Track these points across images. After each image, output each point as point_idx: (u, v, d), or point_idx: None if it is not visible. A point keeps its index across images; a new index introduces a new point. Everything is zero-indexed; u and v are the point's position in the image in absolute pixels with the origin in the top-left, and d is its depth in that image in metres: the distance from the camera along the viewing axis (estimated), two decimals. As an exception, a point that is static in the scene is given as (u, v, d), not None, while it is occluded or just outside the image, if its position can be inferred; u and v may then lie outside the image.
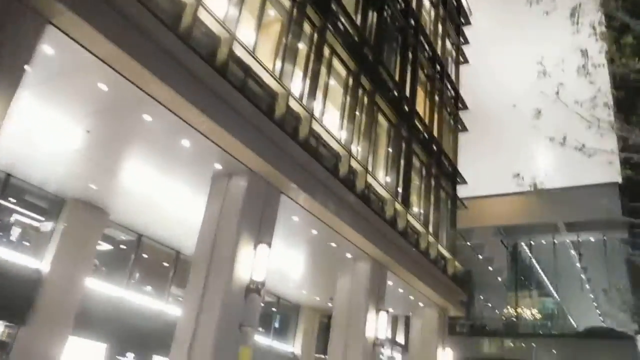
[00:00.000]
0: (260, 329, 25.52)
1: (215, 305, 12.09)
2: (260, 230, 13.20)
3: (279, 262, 20.72)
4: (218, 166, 13.12)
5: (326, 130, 15.75)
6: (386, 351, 32.93)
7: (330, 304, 22.10)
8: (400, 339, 35.34)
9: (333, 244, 17.54)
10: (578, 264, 42.25)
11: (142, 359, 18.46)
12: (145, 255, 19.94)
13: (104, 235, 17.78)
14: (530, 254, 42.90)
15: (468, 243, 39.98)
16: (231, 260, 12.34)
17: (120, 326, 17.54)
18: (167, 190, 15.00)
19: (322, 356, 26.57)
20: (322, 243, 17.67)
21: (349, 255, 18.48)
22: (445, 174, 26.11)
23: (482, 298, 45.22)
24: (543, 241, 41.28)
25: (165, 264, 20.87)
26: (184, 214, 15.86)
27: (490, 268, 43.28)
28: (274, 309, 26.43)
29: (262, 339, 24.97)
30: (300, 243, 18.34)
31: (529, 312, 41.96)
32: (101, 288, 17.44)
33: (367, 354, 17.63)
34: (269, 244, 13.08)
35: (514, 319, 41.04)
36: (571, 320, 44.00)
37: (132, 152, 13.58)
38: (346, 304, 18.45)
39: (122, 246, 19.54)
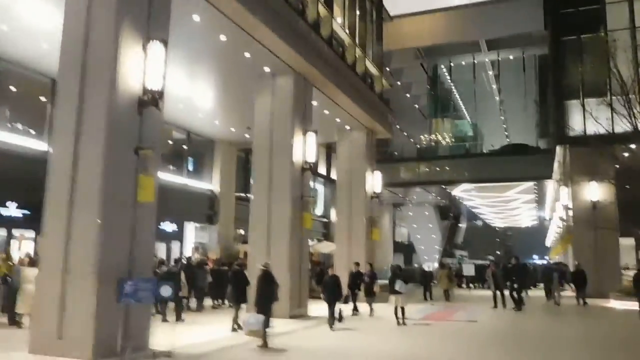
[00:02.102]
0: (172, 167, 22.92)
1: (97, 126, 9.01)
2: (149, 27, 9.76)
3: (184, 87, 17.50)
4: None
5: None
6: (309, 183, 31.83)
7: (248, 135, 19.60)
8: (322, 170, 34.31)
9: (247, 55, 14.40)
10: (494, 86, 41.99)
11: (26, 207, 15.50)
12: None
13: None
14: (449, 77, 41.88)
15: (387, 68, 38.05)
16: (112, 63, 9.03)
17: None
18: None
19: (244, 195, 24.80)
20: (234, 54, 14.48)
21: (267, 70, 15.53)
22: (369, -21, 22.72)
23: (398, 127, 44.77)
24: (463, 62, 40.07)
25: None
26: None
27: (407, 95, 42.13)
28: (185, 147, 23.63)
29: (175, 178, 22.48)
30: (207, 57, 15.04)
31: (446, 137, 42.14)
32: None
33: (295, 181, 15.64)
34: (164, 42, 9.74)
35: (432, 144, 41.11)
36: (486, 140, 44.94)
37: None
38: (267, 128, 15.91)
39: None
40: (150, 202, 9.44)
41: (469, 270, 17.66)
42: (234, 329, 12.54)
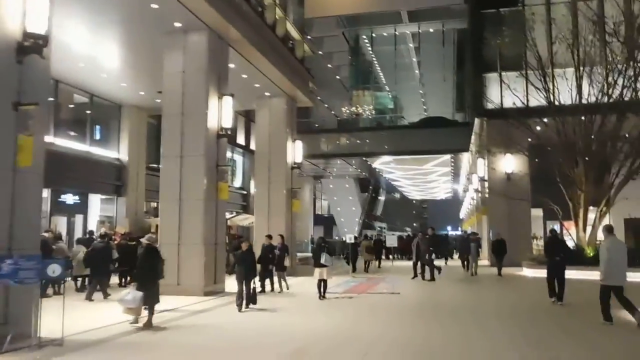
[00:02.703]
0: (73, 132, 20.85)
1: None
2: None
3: (84, 42, 15.64)
4: None
5: None
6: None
7: (159, 100, 17.99)
8: (241, 140, 33.03)
9: (155, 5, 12.89)
10: (415, 58, 42.14)
11: None
12: None
13: None
14: (370, 48, 41.49)
15: (308, 37, 37.01)
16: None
17: None
18: None
19: (156, 165, 23.07)
20: (139, 4, 12.93)
21: (178, 25, 14.08)
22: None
23: (319, 98, 44.10)
24: (384, 33, 39.76)
25: None
26: None
27: (329, 65, 41.41)
28: (88, 111, 21.53)
29: (77, 145, 20.45)
30: (109, 6, 13.31)
31: (367, 109, 41.95)
32: None
33: (210, 148, 14.44)
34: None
35: (353, 116, 40.82)
36: (406, 113, 45.24)
37: None
38: (179, 89, 14.53)
39: None
40: (30, 167, 8.01)
41: (392, 241, 17.25)
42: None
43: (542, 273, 16.38)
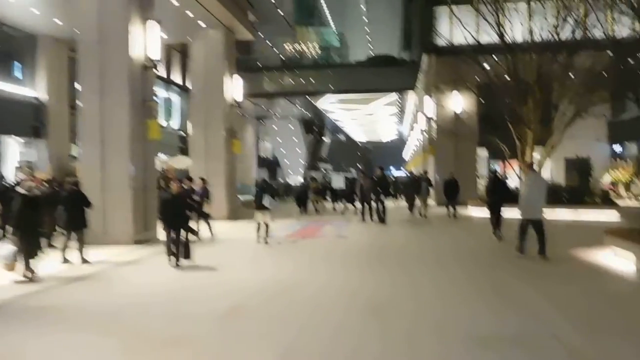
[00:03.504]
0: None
1: None
2: None
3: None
4: None
5: None
6: (161, 92, 28.37)
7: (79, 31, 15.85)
8: (177, 79, 30.86)
9: None
10: (361, -7, 40.47)
11: None
12: None
13: None
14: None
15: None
16: None
17: None
18: None
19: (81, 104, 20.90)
20: None
21: (90, -64, 12.05)
22: None
23: (262, 35, 41.90)
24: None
25: None
26: None
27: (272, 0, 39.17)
28: (-4, 42, 19.00)
29: (-17, 81, 18.11)
30: None
31: (311, 46, 40.28)
32: None
33: (135, 82, 12.80)
34: None
35: (296, 55, 39.16)
36: (352, 51, 43.87)
37: None
38: (94, 14, 12.64)
39: None
40: None
41: (338, 183, 16.21)
42: (65, 261, 10.16)
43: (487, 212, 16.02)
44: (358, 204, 18.35)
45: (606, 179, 22.09)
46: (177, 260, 9.70)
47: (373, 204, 17.36)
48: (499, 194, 12.74)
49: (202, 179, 14.27)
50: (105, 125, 12.67)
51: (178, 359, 4.93)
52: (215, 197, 19.31)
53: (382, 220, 16.88)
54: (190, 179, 13.48)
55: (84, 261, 10.20)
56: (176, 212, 9.98)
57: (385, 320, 5.99)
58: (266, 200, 12.49)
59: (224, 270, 9.41)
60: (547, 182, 9.89)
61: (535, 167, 20.90)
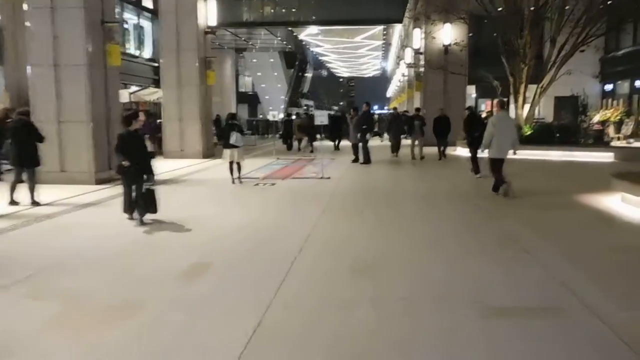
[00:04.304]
0: None
1: None
2: None
3: None
4: None
5: None
6: (131, 17, 26.31)
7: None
8: (148, 3, 28.63)
9: None
10: None
11: None
12: None
13: None
14: None
15: None
16: None
17: None
18: None
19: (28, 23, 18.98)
20: None
21: None
22: None
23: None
24: None
25: None
26: None
27: None
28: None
29: None
30: None
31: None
32: None
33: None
34: None
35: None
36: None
37: None
38: None
39: None
40: None
41: (322, 119, 14.73)
42: (13, 202, 9.00)
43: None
44: (341, 142, 17.19)
45: (595, 119, 21.17)
46: (142, 216, 7.55)
47: (356, 142, 16.22)
48: (479, 131, 12.22)
49: (146, 112, 12.62)
50: (58, 47, 11.22)
51: (121, 331, 3.91)
52: (188, 133, 18.16)
53: (367, 160, 15.81)
54: (147, 113, 12.15)
55: (34, 203, 9.06)
56: (139, 153, 7.67)
57: (378, 283, 5.03)
58: (233, 138, 11.34)
59: (190, 218, 8.06)
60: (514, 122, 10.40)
61: (527, 106, 20.17)
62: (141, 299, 4.54)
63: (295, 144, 21.98)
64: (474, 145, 12.60)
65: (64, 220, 7.98)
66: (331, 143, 21.80)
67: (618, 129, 22.32)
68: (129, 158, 7.49)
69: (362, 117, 16.03)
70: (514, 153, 9.85)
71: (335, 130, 21.70)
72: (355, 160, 16.12)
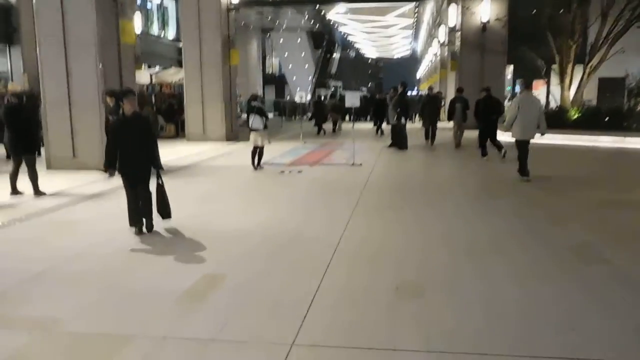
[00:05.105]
0: None
1: None
2: None
3: None
4: None
5: None
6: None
7: None
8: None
9: None
10: None
11: None
12: None
13: None
14: None
15: None
16: None
17: None
18: None
19: None
20: None
21: None
22: None
23: None
24: None
25: None
26: None
27: None
28: None
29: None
30: None
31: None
32: None
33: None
34: None
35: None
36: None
37: None
38: None
39: None
40: None
41: (353, 101, 13.31)
42: (15, 192, 8.25)
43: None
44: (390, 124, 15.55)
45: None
46: (150, 225, 6.13)
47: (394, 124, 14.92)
48: (494, 114, 12.59)
49: (110, 93, 10.29)
50: (66, 24, 10.36)
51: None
52: (210, 115, 17.29)
53: (403, 145, 14.62)
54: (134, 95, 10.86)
55: (37, 193, 8.26)
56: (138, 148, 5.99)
57: (433, 311, 4.01)
58: (252, 120, 10.42)
59: (202, 214, 7.18)
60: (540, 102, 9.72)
61: (573, 87, 18.68)
62: (126, 335, 3.57)
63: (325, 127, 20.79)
64: (488, 129, 12.50)
65: (64, 215, 7.13)
66: (364, 126, 20.59)
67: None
68: (129, 154, 5.92)
69: (399, 98, 14.74)
70: (542, 134, 9.51)
71: (379, 114, 19.79)
72: (393, 144, 14.98)
